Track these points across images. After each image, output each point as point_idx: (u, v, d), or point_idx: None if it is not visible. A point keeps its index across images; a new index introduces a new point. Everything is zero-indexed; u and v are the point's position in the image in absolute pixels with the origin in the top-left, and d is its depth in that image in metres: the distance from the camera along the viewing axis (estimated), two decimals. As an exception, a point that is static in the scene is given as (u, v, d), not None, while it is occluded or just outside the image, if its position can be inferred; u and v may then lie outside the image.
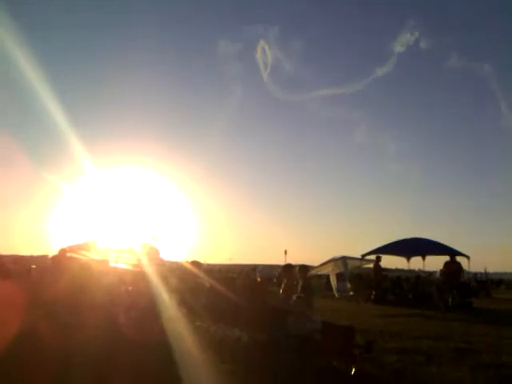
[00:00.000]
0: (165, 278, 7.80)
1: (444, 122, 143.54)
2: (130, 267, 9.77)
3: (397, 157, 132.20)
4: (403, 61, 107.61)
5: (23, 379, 4.55)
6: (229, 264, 73.94)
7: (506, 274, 52.84)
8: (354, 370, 5.18)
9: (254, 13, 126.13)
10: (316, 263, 22.25)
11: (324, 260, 21.46)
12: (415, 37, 69.92)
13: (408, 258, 21.57)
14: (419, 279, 21.00)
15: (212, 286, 7.63)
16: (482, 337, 8.23)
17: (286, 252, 52.51)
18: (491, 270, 50.67)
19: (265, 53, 77.95)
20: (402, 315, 12.38)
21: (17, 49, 19.19)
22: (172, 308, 6.84)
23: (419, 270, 25.11)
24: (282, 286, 8.49)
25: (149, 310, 6.84)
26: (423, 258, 21.12)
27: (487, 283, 32.26)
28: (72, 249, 11.35)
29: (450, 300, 14.89)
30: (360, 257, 20.19)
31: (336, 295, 19.41)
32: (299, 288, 8.12)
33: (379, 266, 19.02)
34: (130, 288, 8.27)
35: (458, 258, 16.82)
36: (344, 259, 20.03)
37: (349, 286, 19.59)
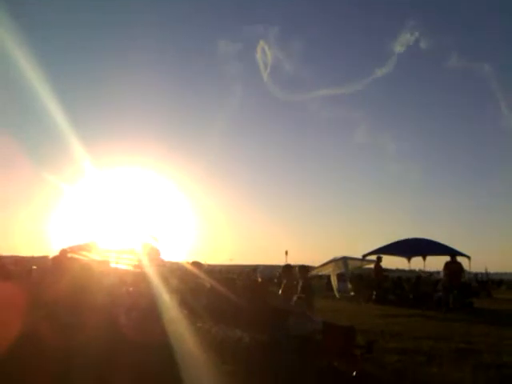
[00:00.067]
0: (165, 279, 7.80)
1: (444, 122, 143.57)
2: (130, 268, 9.77)
3: (397, 157, 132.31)
4: (403, 61, 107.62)
5: (25, 380, 4.56)
6: (229, 264, 73.92)
7: (506, 274, 52.77)
8: (355, 372, 5.18)
9: (254, 13, 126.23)
10: (317, 263, 22.27)
11: (325, 260, 21.49)
12: (415, 37, 69.98)
13: (409, 259, 21.59)
14: (420, 279, 21.02)
15: (213, 287, 7.63)
16: (483, 337, 8.22)
17: (286, 252, 52.48)
18: (492, 270, 50.64)
19: (265, 53, 78.00)
20: (403, 315, 12.38)
21: (17, 49, 19.22)
22: (173, 309, 6.84)
23: (420, 271, 25.15)
24: (282, 286, 8.50)
25: (149, 310, 6.84)
26: (424, 259, 21.15)
27: (488, 283, 32.25)
28: (73, 249, 11.35)
29: (450, 300, 14.89)
30: (361, 257, 20.21)
31: (337, 295, 19.40)
32: (299, 288, 8.12)
33: (380, 267, 19.02)
34: (131, 289, 8.27)
35: (459, 258, 16.82)
36: (345, 259, 20.04)
37: (349, 286, 19.59)
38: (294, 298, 7.15)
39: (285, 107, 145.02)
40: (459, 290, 15.01)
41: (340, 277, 20.91)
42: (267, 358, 5.48)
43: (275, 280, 23.67)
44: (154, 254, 8.78)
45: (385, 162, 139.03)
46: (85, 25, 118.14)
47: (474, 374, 5.31)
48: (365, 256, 20.02)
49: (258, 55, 77.75)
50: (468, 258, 18.48)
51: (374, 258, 19.36)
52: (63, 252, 10.19)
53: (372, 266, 19.64)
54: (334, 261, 20.64)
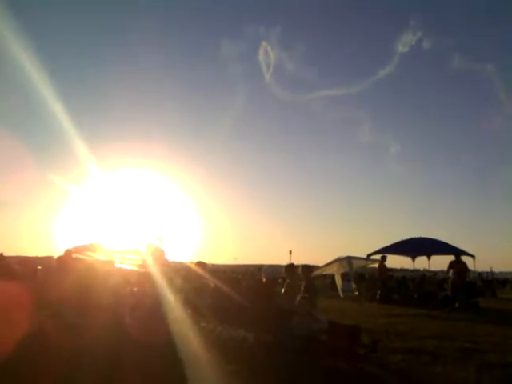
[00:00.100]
0: (170, 279, 7.82)
1: (447, 122, 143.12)
2: (135, 268, 9.79)
3: (400, 157, 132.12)
4: (406, 61, 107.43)
5: (30, 379, 4.58)
6: (233, 264, 74.03)
7: (511, 273, 52.57)
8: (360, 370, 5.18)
9: (256, 14, 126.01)
10: (321, 263, 22.29)
11: (329, 260, 21.48)
12: (418, 37, 69.63)
13: (413, 258, 21.54)
14: (424, 279, 20.97)
15: (217, 287, 7.65)
16: (488, 337, 8.20)
17: (290, 252, 52.40)
18: (497, 269, 50.48)
19: (267, 54, 78.00)
20: (408, 315, 12.35)
21: (23, 53, 19.28)
22: (177, 308, 6.86)
23: (424, 270, 25.08)
24: (285, 285, 8.49)
25: (154, 310, 6.85)
26: (428, 258, 21.09)
27: (493, 283, 32.15)
28: (77, 250, 11.38)
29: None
30: (365, 257, 20.17)
31: (341, 295, 19.39)
32: (302, 288, 8.11)
33: (384, 266, 18.97)
34: (136, 289, 8.29)
35: (464, 258, 16.75)
36: (349, 259, 20.02)
37: (354, 285, 19.58)
38: (298, 297, 7.15)
39: (287, 108, 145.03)
40: (464, 290, 14.96)
41: (344, 276, 20.91)
42: (271, 358, 5.48)
43: (280, 280, 23.68)
44: (159, 254, 8.77)
45: (388, 161, 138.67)
46: (90, 30, 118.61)
47: (479, 373, 5.30)
48: (369, 255, 19.97)
49: (261, 56, 77.73)
50: (473, 257, 18.40)
51: (378, 257, 19.31)
52: (68, 252, 10.21)
53: (376, 265, 19.59)
54: (339, 260, 20.63)
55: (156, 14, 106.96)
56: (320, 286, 22.85)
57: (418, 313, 13.01)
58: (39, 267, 13.81)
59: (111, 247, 11.95)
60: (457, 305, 14.24)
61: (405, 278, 21.72)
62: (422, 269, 25.82)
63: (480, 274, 34.02)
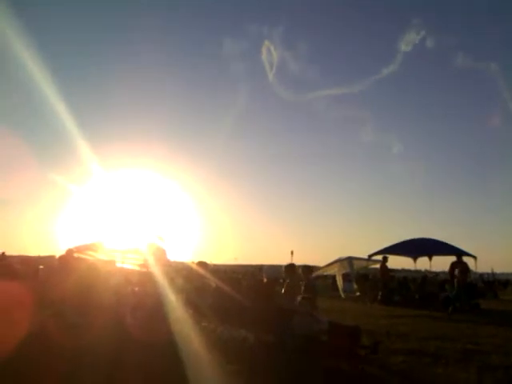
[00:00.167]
0: (171, 279, 7.83)
1: (450, 121, 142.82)
2: (136, 267, 9.82)
3: (403, 157, 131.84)
4: (409, 60, 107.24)
5: (32, 378, 4.58)
6: (234, 264, 74.04)
7: (513, 274, 52.43)
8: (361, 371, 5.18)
9: (258, 13, 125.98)
10: (322, 263, 22.27)
11: (330, 260, 21.47)
12: (421, 36, 69.49)
13: (415, 259, 21.51)
14: (426, 280, 20.93)
15: (218, 287, 7.65)
16: (490, 338, 8.18)
17: (292, 252, 52.49)
18: (498, 270, 50.30)
19: (270, 53, 77.95)
20: (409, 316, 12.34)
21: (25, 51, 19.34)
22: (178, 308, 6.86)
23: (426, 271, 25.05)
24: (285, 285, 8.50)
25: (155, 310, 6.86)
26: (430, 259, 21.05)
27: (494, 284, 32.09)
28: (79, 249, 11.44)
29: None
30: (366, 257, 20.15)
31: (342, 296, 19.38)
32: (302, 288, 8.12)
33: (386, 267, 18.95)
34: (137, 288, 8.30)
35: (465, 259, 16.72)
36: (350, 259, 20.01)
37: (355, 286, 19.57)
38: (299, 298, 7.15)
39: (289, 107, 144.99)
40: (465, 291, 14.93)
41: (345, 277, 20.89)
42: (272, 358, 5.49)
43: (281, 280, 23.67)
44: (160, 254, 8.78)
45: (390, 161, 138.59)
46: (93, 29, 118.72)
47: (481, 375, 5.28)
48: (370, 256, 19.95)
49: (263, 55, 77.67)
50: (474, 258, 18.38)
51: (379, 258, 19.28)
52: (70, 252, 10.24)
53: (377, 266, 19.58)
54: (340, 261, 20.62)
55: (158, 12, 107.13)
56: (321, 286, 22.86)
57: (419, 314, 13.00)
58: (41, 267, 13.85)
59: (113, 247, 12.00)
60: (457, 305, 14.23)
61: (406, 279, 21.70)
62: (423, 269, 25.80)
63: (481, 275, 33.92)
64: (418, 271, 25.22)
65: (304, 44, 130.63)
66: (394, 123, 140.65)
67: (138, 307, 7.10)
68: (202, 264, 8.75)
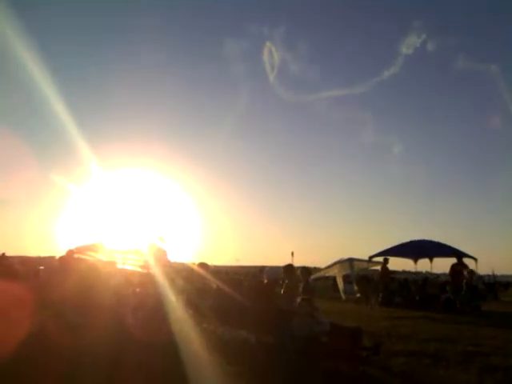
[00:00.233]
0: (172, 280, 7.83)
1: (451, 124, 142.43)
2: (137, 268, 9.82)
3: (403, 158, 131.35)
4: (410, 62, 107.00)
5: (32, 379, 4.59)
6: (235, 265, 73.97)
7: (514, 276, 52.32)
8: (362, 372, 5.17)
9: (259, 13, 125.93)
10: (323, 265, 22.26)
11: (331, 262, 21.44)
12: (422, 38, 69.43)
13: (415, 260, 21.50)
14: (427, 281, 20.90)
15: (219, 288, 7.65)
16: (490, 340, 8.17)
17: (292, 254, 52.34)
18: (499, 272, 50.24)
19: (271, 54, 78.03)
20: (410, 317, 12.32)
21: (25, 52, 19.40)
22: (179, 309, 6.87)
23: (426, 272, 25.03)
24: (283, 286, 8.50)
25: (156, 311, 6.87)
26: (430, 260, 21.06)
27: (495, 286, 32.01)
28: (79, 250, 11.43)
29: (457, 302, 14.84)
30: (367, 258, 20.14)
31: (343, 297, 19.35)
32: (300, 289, 8.12)
33: (387, 268, 18.93)
34: (138, 289, 8.30)
35: (466, 260, 16.71)
36: (350, 261, 19.98)
37: (355, 288, 19.53)
38: (299, 299, 7.15)
39: (290, 108, 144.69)
40: (465, 293, 14.93)
41: (346, 278, 20.86)
42: (272, 360, 5.48)
43: (281, 281, 23.65)
44: (161, 255, 8.80)
45: (391, 163, 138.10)
46: (93, 29, 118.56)
47: (481, 376, 5.28)
48: (371, 258, 19.94)
49: (265, 56, 77.72)
50: (475, 260, 18.38)
51: (380, 259, 19.26)
52: (70, 252, 10.25)
53: (378, 267, 19.56)
54: (340, 262, 20.59)
55: (158, 12, 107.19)
56: (322, 287, 22.87)
57: (420, 315, 12.97)
58: (41, 267, 13.87)
59: (113, 247, 11.98)
60: (458, 305, 14.23)
61: (407, 281, 21.63)
62: (424, 271, 25.76)
63: (482, 276, 33.86)
64: (418, 273, 25.11)
65: (305, 45, 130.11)
66: (395, 125, 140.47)
67: (139, 308, 7.11)
68: (202, 265, 8.75)
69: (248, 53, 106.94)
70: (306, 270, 9.15)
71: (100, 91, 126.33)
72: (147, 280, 8.23)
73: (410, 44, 65.47)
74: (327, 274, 22.72)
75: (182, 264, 12.34)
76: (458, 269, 15.61)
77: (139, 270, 9.56)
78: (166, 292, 7.21)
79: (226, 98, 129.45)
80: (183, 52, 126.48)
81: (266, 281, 7.85)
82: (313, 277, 16.87)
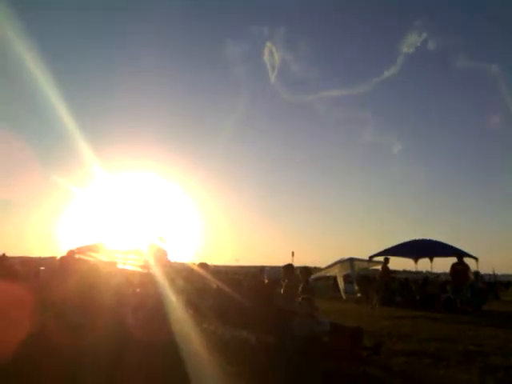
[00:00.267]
0: (172, 280, 7.84)
1: (452, 123, 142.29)
2: (137, 269, 9.82)
3: (404, 158, 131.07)
4: (411, 62, 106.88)
5: (33, 379, 4.59)
6: (235, 265, 73.92)
7: (514, 276, 52.26)
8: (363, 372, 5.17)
9: (259, 14, 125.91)
10: (323, 265, 22.24)
11: (331, 261, 21.44)
12: (423, 38, 69.30)
13: (416, 260, 21.49)
14: (427, 281, 20.89)
15: (219, 288, 7.66)
16: (491, 339, 8.16)
17: (293, 253, 52.19)
18: (499, 271, 50.18)
19: (272, 55, 77.96)
20: (410, 317, 12.32)
21: (28, 54, 19.42)
22: (179, 309, 6.87)
23: (427, 272, 25.03)
24: (283, 286, 8.50)
25: (156, 311, 6.87)
26: (431, 260, 21.04)
27: (496, 285, 32.00)
28: (80, 250, 11.42)
29: (458, 302, 14.83)
30: (367, 258, 20.13)
31: (343, 297, 19.35)
32: (300, 289, 8.12)
33: (387, 268, 18.92)
34: (138, 289, 8.30)
35: (466, 260, 16.70)
36: (351, 260, 19.97)
37: (356, 287, 19.53)
38: (299, 299, 7.15)
39: (291, 108, 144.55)
40: (466, 292, 14.92)
41: (346, 278, 20.85)
42: (272, 360, 5.48)
43: (281, 281, 23.64)
44: (161, 255, 8.81)
45: (392, 163, 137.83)
46: (94, 32, 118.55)
47: (482, 376, 5.28)
48: (371, 257, 19.94)
49: (265, 57, 77.58)
50: (475, 259, 18.37)
51: (380, 259, 19.26)
52: (71, 253, 10.26)
53: (379, 267, 19.56)
54: (341, 262, 20.58)
55: (158, 14, 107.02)
56: (322, 287, 22.86)
57: (420, 315, 12.97)
58: (42, 268, 13.86)
59: (114, 248, 11.98)
60: (458, 304, 14.23)
61: (407, 280, 21.61)
62: (424, 271, 25.78)
63: (482, 276, 33.85)
64: (419, 272, 25.13)
65: (305, 46, 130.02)
66: (395, 125, 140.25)
67: (139, 308, 7.11)
68: (202, 265, 8.75)
69: (248, 54, 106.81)
70: (306, 270, 9.15)
71: (102, 94, 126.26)
72: (147, 280, 8.24)
73: (410, 43, 65.24)
74: (328, 274, 22.71)
75: (182, 264, 12.35)
76: (459, 268, 15.59)
77: (139, 270, 9.56)
78: (167, 292, 7.22)
79: (226, 99, 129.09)
80: (184, 54, 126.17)
81: (266, 281, 7.85)
82: (313, 276, 16.89)
